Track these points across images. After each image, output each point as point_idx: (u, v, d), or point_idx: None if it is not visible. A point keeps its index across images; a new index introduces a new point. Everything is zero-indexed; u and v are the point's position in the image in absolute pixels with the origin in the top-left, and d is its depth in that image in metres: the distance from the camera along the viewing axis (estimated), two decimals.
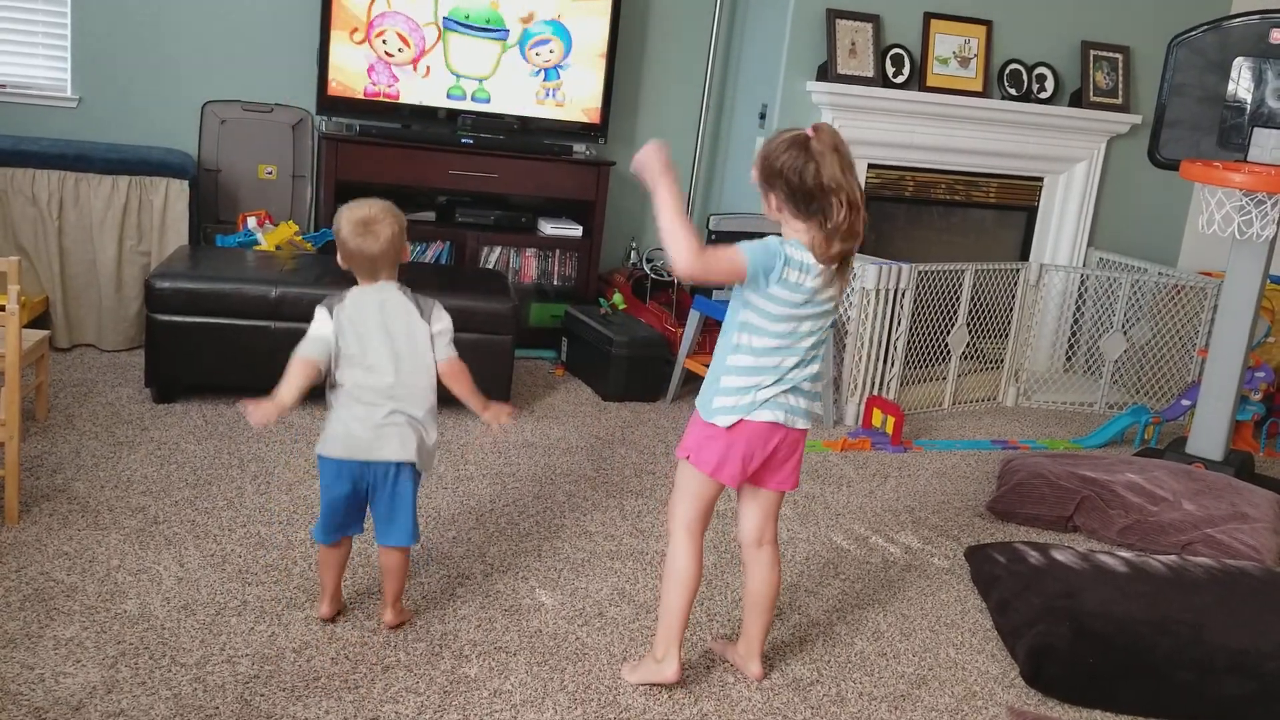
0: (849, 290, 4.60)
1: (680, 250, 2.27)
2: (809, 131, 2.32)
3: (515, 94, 4.99)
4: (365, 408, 2.55)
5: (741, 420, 2.42)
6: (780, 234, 2.41)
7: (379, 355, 2.56)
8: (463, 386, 2.63)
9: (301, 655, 2.54)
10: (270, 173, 4.92)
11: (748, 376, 2.42)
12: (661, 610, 2.55)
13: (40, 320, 4.36)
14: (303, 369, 2.54)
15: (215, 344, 3.93)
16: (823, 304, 2.40)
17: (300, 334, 2.63)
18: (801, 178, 2.30)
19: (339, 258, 2.60)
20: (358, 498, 2.61)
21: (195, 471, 3.46)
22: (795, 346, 2.41)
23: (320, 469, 2.61)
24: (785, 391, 2.43)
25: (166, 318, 3.90)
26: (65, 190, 4.36)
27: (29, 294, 4.28)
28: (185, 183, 4.51)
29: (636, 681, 2.59)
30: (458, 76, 4.90)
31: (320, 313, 2.58)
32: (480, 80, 4.93)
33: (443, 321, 2.62)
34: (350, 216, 2.56)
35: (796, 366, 2.43)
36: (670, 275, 5.19)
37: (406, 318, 2.58)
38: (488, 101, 4.96)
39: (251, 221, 4.65)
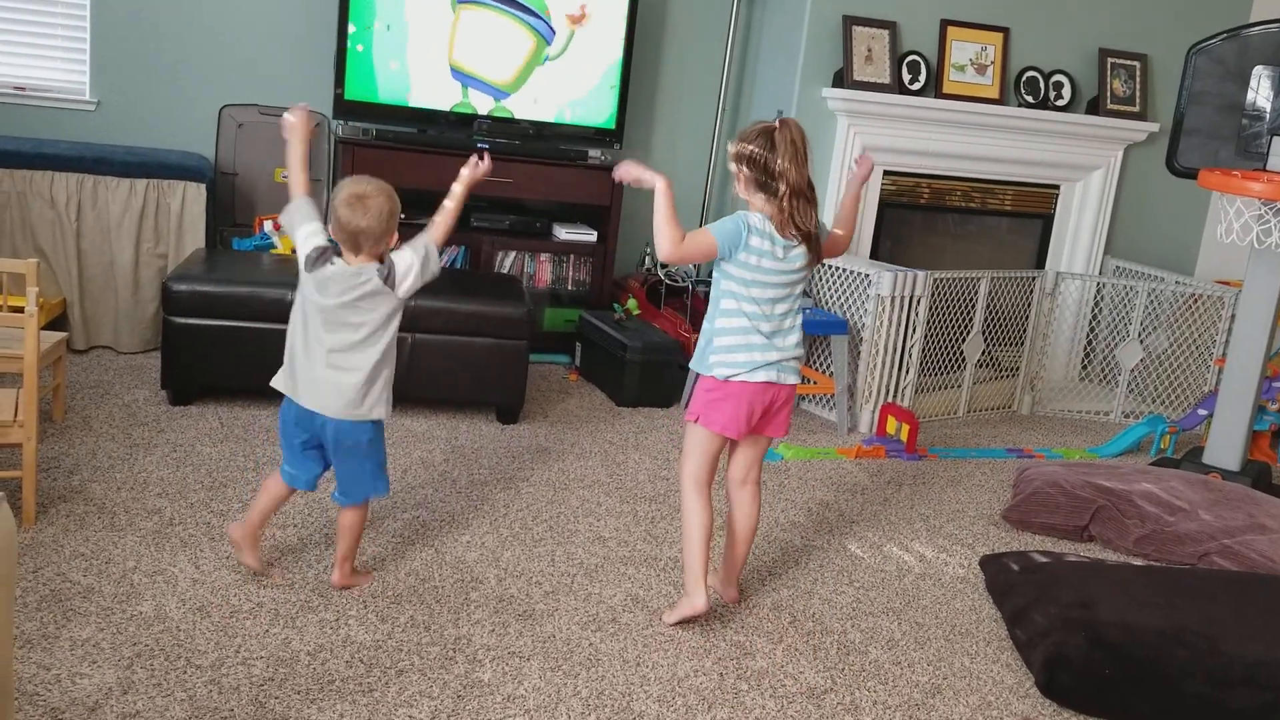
0: (865, 298, 4.61)
1: (664, 241, 2.72)
2: (775, 124, 2.71)
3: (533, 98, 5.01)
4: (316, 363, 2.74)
5: (740, 381, 2.78)
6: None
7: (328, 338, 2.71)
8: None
9: (316, 658, 2.54)
10: (287, 176, 4.92)
11: (736, 337, 2.78)
12: (684, 556, 2.88)
13: (58, 322, 4.38)
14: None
15: (231, 347, 3.94)
16: (788, 273, 2.77)
17: None
18: (765, 163, 2.69)
19: (330, 228, 2.71)
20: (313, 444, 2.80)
21: (211, 474, 3.47)
22: (771, 313, 2.79)
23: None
24: (772, 356, 2.79)
25: (183, 320, 3.91)
26: (83, 193, 4.38)
27: (47, 296, 4.30)
28: (202, 186, 4.53)
29: (675, 620, 2.87)
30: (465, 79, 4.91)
31: (317, 240, 2.73)
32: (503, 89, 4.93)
33: (403, 264, 2.70)
34: (347, 189, 2.68)
35: (777, 333, 2.80)
36: (685, 281, 5.19)
37: (369, 306, 2.68)
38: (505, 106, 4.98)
39: (268, 225, 4.67)
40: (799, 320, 2.85)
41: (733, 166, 2.77)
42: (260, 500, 2.85)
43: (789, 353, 2.82)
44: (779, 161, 2.68)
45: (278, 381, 2.78)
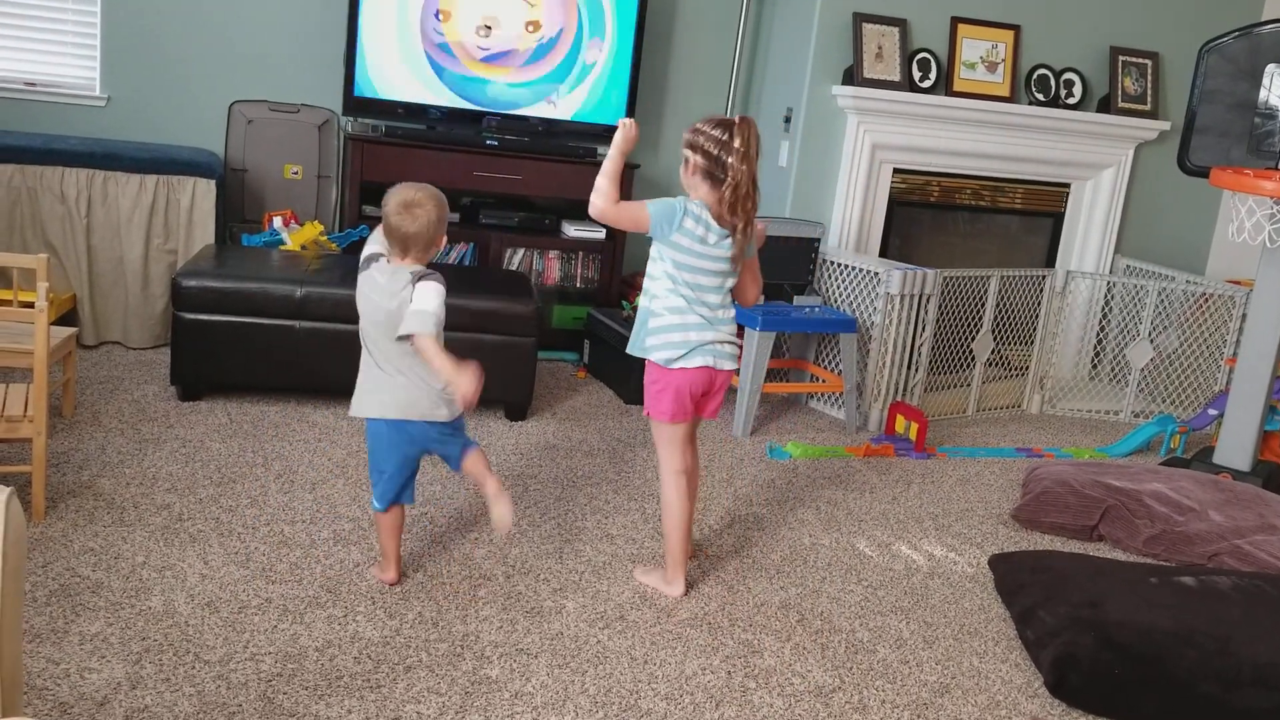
0: (874, 296, 4.60)
1: (600, 197, 2.82)
2: (735, 120, 2.82)
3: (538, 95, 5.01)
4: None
5: (680, 367, 2.88)
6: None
7: (368, 332, 2.77)
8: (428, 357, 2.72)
9: (324, 654, 2.54)
10: (296, 173, 4.94)
11: (673, 317, 2.88)
12: (666, 542, 3.04)
13: (68, 317, 4.39)
14: None
15: (241, 342, 3.94)
16: (720, 260, 2.86)
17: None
18: (718, 154, 2.80)
19: (381, 230, 2.80)
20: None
21: (220, 469, 3.48)
22: (703, 298, 2.88)
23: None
24: (708, 336, 2.88)
25: (192, 316, 3.92)
26: (94, 188, 4.39)
27: (57, 291, 4.31)
28: (212, 182, 4.53)
29: (645, 583, 3.05)
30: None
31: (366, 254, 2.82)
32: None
33: (422, 302, 2.69)
34: (398, 196, 2.76)
35: (708, 320, 2.88)
36: None
37: (397, 303, 2.70)
38: (516, 106, 4.97)
39: (277, 221, 4.68)
40: (732, 313, 2.94)
41: (686, 152, 2.87)
42: (385, 541, 2.89)
43: (725, 336, 2.92)
44: (732, 156, 2.78)
45: (362, 409, 2.80)
